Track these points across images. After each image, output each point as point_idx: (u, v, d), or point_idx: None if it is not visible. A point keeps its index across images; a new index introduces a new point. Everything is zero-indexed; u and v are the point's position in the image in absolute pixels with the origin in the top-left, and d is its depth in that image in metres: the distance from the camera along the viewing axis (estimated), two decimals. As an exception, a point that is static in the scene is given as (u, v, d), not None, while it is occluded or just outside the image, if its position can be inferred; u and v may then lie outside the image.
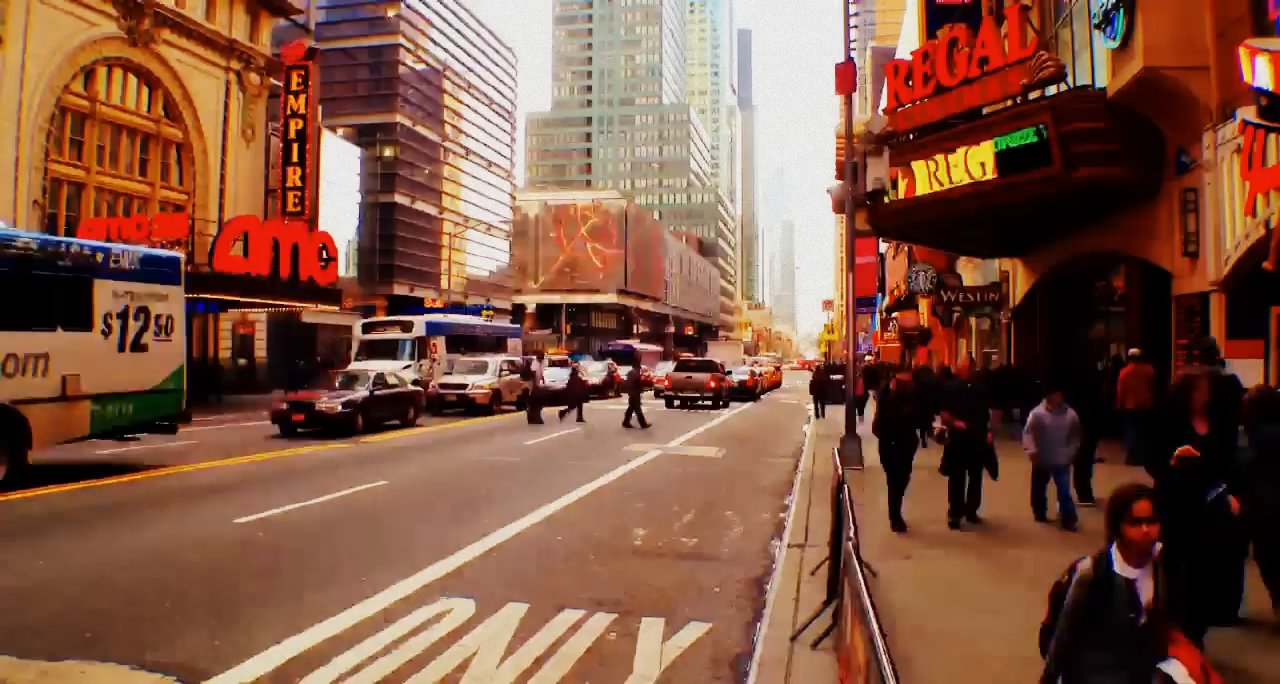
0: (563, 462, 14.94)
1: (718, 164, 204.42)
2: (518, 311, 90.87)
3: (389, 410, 20.61)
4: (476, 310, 63.26)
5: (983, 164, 14.76)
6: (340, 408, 18.51)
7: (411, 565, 7.33)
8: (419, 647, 5.40)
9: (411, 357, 29.63)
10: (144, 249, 14.44)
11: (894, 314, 43.19)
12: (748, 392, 36.67)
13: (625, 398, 24.59)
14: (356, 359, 29.25)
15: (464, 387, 26.08)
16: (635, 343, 69.57)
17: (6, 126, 25.97)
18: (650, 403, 28.33)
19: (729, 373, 34.47)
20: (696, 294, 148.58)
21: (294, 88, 36.10)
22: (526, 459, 15.20)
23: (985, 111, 15.35)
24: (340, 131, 62.85)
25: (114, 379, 12.46)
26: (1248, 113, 9.19)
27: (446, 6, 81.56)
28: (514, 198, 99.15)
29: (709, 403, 30.41)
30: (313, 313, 45.27)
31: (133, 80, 31.58)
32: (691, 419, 24.92)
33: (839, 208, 16.59)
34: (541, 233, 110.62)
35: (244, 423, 21.26)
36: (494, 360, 28.72)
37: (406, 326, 31.19)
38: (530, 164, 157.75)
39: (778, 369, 61.72)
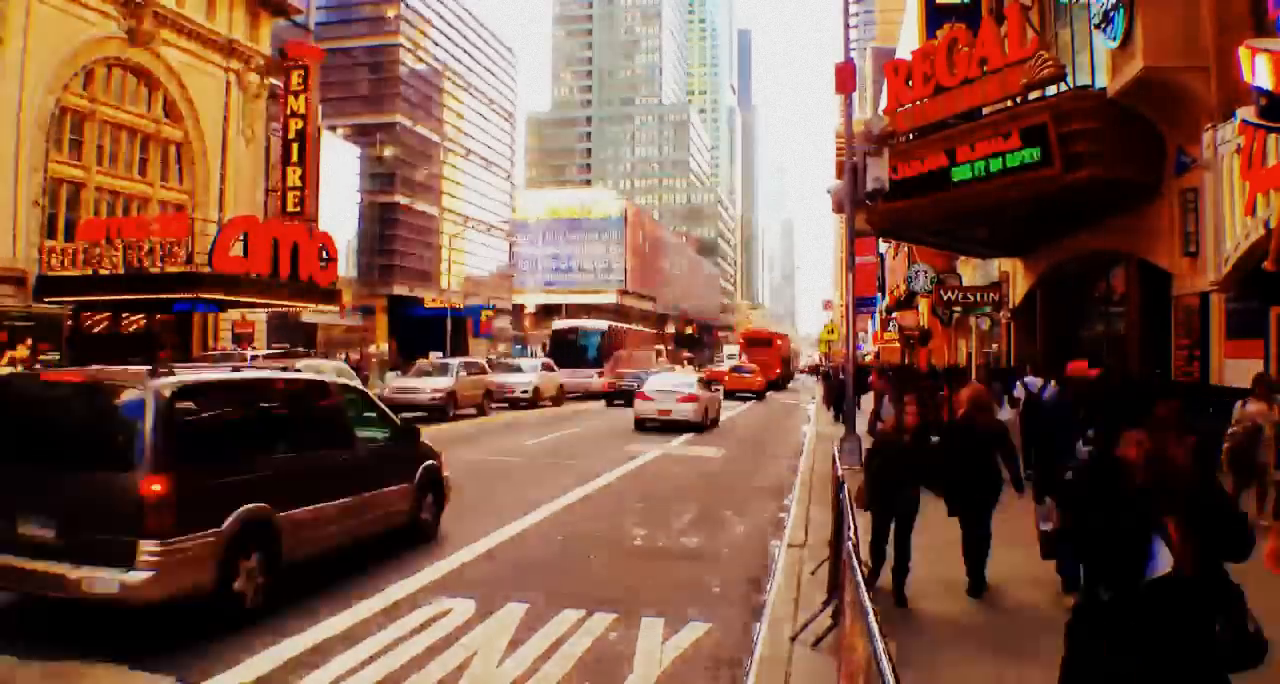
0: (563, 461, 14.93)
1: (718, 164, 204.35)
2: (517, 312, 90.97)
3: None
4: (477, 310, 63.32)
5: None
6: None
7: (411, 565, 7.32)
8: (419, 647, 5.40)
9: None
10: None
11: (894, 314, 43.19)
12: None
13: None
14: None
15: None
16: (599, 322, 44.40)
17: (6, 126, 25.96)
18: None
19: None
20: (696, 294, 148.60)
21: (294, 88, 36.05)
22: (527, 459, 15.20)
23: (985, 112, 15.36)
24: (340, 131, 62.89)
25: None
26: (1248, 113, 9.19)
27: (446, 6, 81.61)
28: (514, 197, 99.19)
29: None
30: (312, 313, 45.24)
31: (132, 80, 31.56)
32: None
33: (839, 208, 16.56)
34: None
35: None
36: None
37: None
38: (530, 164, 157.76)
39: None
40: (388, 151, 67.74)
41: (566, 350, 37.02)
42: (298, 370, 11.14)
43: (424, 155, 76.43)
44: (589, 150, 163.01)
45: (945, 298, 25.87)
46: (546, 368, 30.61)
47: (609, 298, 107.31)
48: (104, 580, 4.95)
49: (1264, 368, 10.97)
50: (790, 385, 55.25)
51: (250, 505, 5.68)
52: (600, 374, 34.81)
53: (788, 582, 6.85)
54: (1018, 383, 15.33)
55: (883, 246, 44.83)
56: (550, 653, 5.35)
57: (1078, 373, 10.60)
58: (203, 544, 5.32)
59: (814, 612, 5.68)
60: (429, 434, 9.22)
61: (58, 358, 24.68)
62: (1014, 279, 22.55)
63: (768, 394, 39.88)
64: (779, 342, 60.18)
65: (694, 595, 6.75)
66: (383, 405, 8.37)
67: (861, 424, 15.16)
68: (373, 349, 54.95)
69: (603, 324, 42.23)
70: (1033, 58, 13.96)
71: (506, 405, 27.08)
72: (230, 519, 5.50)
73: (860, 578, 3.57)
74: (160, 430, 5.24)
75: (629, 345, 43.17)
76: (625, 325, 51.88)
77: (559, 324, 45.66)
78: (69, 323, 27.14)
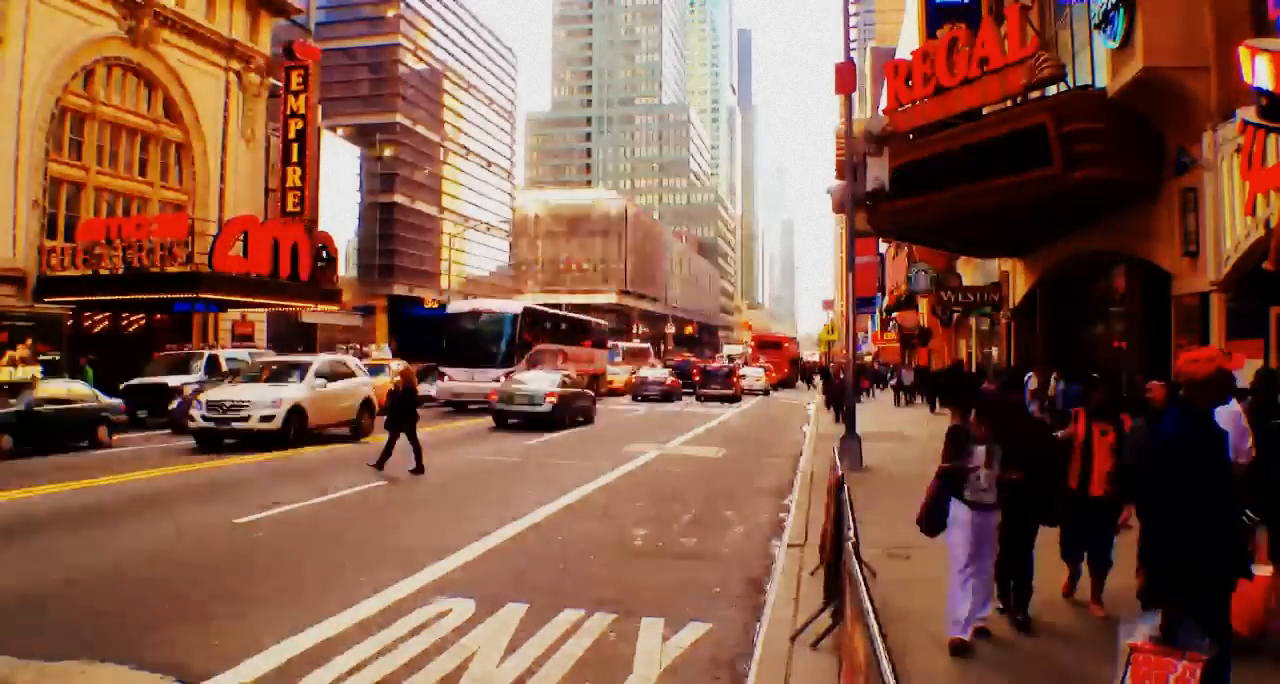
0: (563, 461, 14.93)
1: (718, 164, 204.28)
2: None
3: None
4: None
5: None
6: None
7: (411, 565, 7.32)
8: (419, 647, 5.40)
9: None
10: None
11: (894, 314, 43.20)
12: None
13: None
14: None
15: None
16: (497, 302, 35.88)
17: (6, 126, 25.96)
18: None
19: None
20: (696, 294, 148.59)
21: (294, 88, 36.05)
22: (527, 459, 15.20)
23: (985, 112, 15.36)
24: (340, 131, 62.84)
25: None
26: (1248, 113, 9.19)
27: (446, 6, 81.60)
28: (514, 197, 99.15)
29: None
30: (312, 313, 45.25)
31: (132, 80, 31.57)
32: (692, 419, 24.93)
33: (839, 208, 16.59)
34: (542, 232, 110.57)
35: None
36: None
37: None
38: (530, 164, 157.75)
39: None
40: (388, 151, 67.72)
41: (464, 344, 27.53)
42: None
43: (424, 155, 76.42)
44: (589, 150, 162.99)
45: (945, 298, 25.87)
46: (336, 371, 18.15)
47: (609, 298, 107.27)
48: None
49: (1264, 368, 10.97)
50: (795, 384, 56.09)
51: None
52: (508, 376, 23.85)
53: (788, 582, 6.85)
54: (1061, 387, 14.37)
55: (883, 246, 44.82)
56: (550, 653, 5.35)
57: None
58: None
59: (814, 612, 5.68)
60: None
61: (58, 358, 24.69)
62: (1014, 279, 22.54)
63: (773, 393, 42.09)
64: (786, 344, 62.06)
65: (694, 595, 6.75)
66: None
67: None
68: (371, 349, 54.37)
69: (516, 306, 30.80)
70: (1033, 58, 13.96)
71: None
72: None
73: (861, 577, 3.57)
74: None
75: (562, 339, 32.78)
76: (556, 311, 38.18)
77: (456, 306, 33.21)
78: (69, 323, 27.15)
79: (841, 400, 15.25)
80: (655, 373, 36.78)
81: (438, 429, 20.01)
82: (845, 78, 14.50)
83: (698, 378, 36.11)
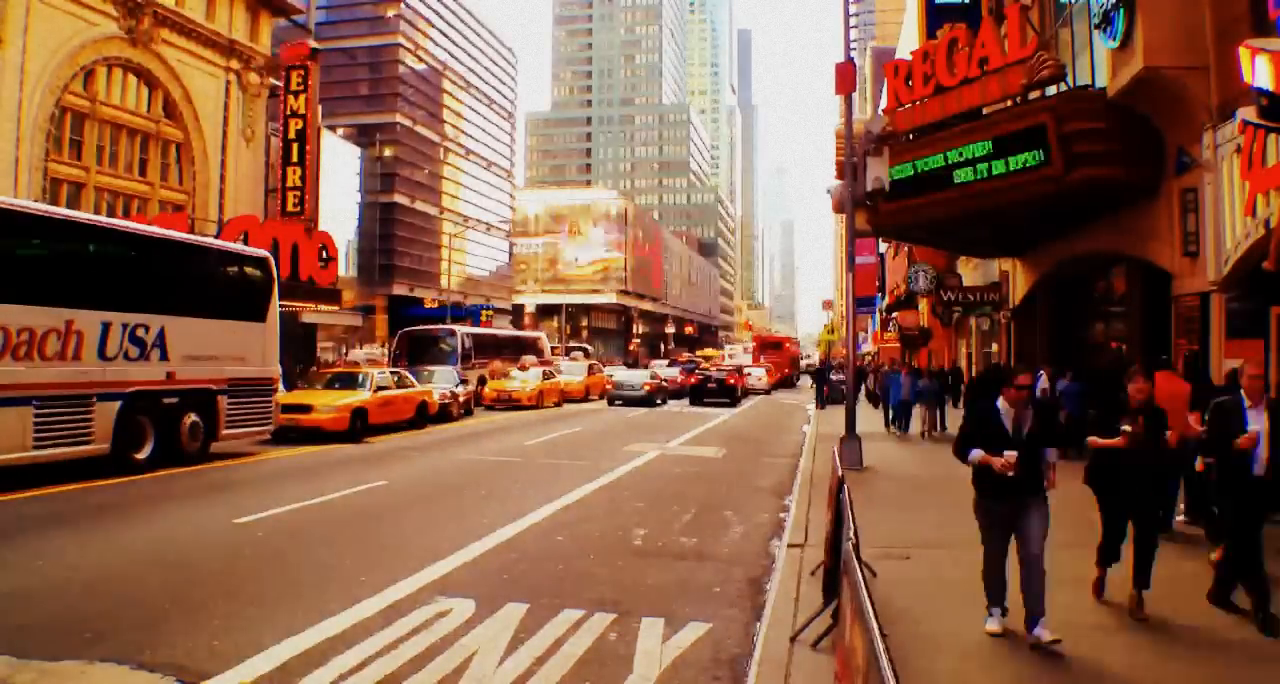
0: (563, 461, 14.93)
1: (718, 164, 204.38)
2: (517, 311, 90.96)
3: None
4: (477, 310, 63.22)
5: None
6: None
7: (411, 565, 7.32)
8: (419, 647, 5.40)
9: None
10: None
11: (894, 314, 43.16)
12: None
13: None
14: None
15: None
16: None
17: (6, 126, 25.97)
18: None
19: None
20: (696, 294, 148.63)
21: (294, 88, 36.06)
22: (526, 459, 15.19)
23: (985, 111, 15.36)
24: (340, 131, 62.84)
25: None
26: (1248, 113, 9.20)
27: (446, 6, 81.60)
28: (514, 198, 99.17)
29: None
30: (312, 313, 45.21)
31: (133, 80, 31.58)
32: (692, 419, 24.93)
33: (839, 208, 16.61)
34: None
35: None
36: None
37: None
38: (530, 164, 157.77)
39: None
40: (388, 151, 67.66)
41: None
42: None
43: (424, 155, 76.45)
44: (589, 150, 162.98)
45: (945, 298, 25.86)
46: None
47: (609, 298, 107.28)
48: None
49: (1265, 368, 10.96)
50: (796, 384, 56.15)
51: None
52: None
53: (788, 582, 6.85)
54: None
55: (883, 246, 44.81)
56: (550, 653, 5.35)
57: None
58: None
59: (814, 612, 5.68)
60: None
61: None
62: (1014, 279, 22.54)
63: (774, 393, 42.96)
64: (787, 344, 62.33)
65: (694, 595, 6.75)
66: None
67: (867, 424, 15.01)
68: (364, 350, 52.62)
69: None
70: (1033, 58, 13.96)
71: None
72: None
73: (860, 577, 3.57)
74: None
75: None
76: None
77: None
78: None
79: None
80: (667, 371, 40.55)
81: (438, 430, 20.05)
82: (845, 78, 14.50)
83: (696, 381, 34.87)
